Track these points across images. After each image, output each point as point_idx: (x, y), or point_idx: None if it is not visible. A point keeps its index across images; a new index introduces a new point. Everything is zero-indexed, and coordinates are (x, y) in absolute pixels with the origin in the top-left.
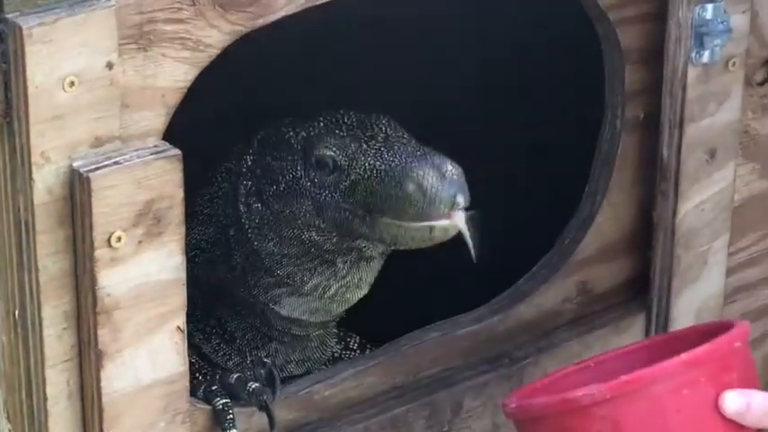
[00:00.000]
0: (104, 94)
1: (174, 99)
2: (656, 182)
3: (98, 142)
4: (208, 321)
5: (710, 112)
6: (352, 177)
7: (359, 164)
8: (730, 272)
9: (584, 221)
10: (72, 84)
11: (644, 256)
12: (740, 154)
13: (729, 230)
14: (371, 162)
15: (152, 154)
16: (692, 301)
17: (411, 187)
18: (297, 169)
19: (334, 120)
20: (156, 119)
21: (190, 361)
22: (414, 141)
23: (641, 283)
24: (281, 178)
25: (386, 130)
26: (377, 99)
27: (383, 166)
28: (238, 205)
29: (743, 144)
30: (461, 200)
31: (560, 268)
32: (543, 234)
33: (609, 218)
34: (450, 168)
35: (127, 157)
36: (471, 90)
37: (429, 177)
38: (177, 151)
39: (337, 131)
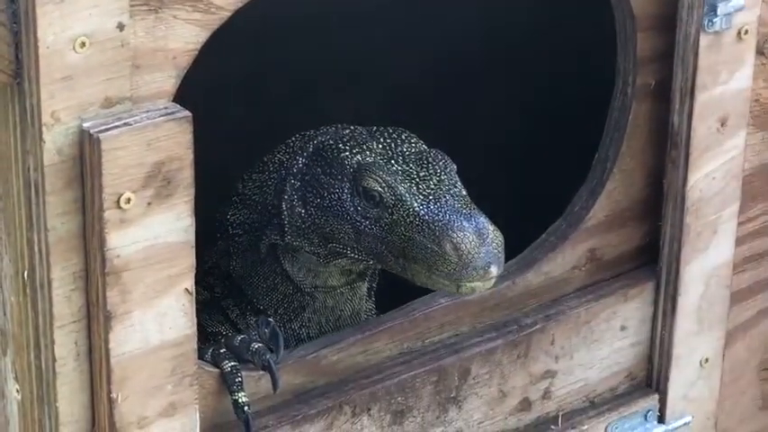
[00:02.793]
0: (115, 56)
1: (185, 61)
2: (666, 150)
3: (108, 103)
4: (243, 298)
5: (722, 80)
6: (395, 218)
7: (404, 207)
8: (740, 241)
9: (594, 189)
10: (83, 44)
11: (654, 224)
12: (751, 123)
13: (739, 199)
14: (416, 209)
15: (162, 116)
16: (702, 270)
17: (448, 247)
18: (344, 191)
19: (392, 146)
20: (167, 81)
21: (226, 335)
22: (464, 194)
23: (651, 252)
24: (326, 194)
25: (440, 173)
26: (385, 55)
27: (426, 217)
28: (282, 203)
29: (754, 113)
30: (495, 270)
31: (569, 235)
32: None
33: (619, 185)
34: (491, 236)
35: (137, 118)
36: (474, 45)
37: (468, 242)
38: (187, 113)
39: (393, 162)
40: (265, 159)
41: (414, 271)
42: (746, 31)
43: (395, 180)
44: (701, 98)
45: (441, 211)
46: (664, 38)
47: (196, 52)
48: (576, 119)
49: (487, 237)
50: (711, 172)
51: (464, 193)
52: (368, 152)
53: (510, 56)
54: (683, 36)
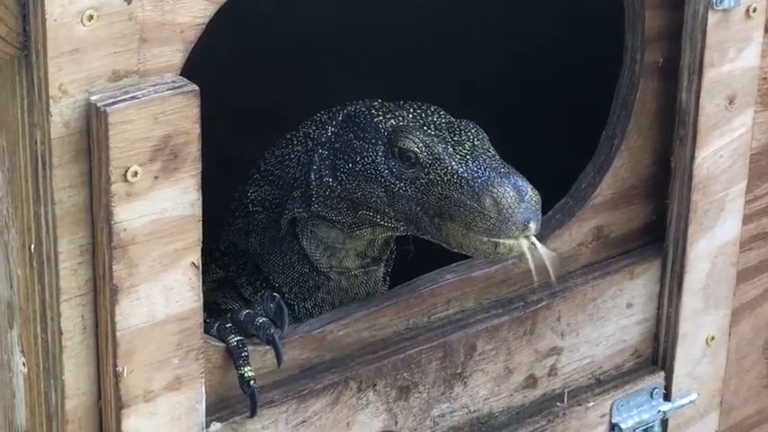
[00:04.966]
0: (123, 29)
1: (193, 35)
2: (674, 127)
3: (116, 76)
4: (258, 276)
5: (730, 58)
6: (431, 177)
7: (442, 165)
8: (746, 219)
9: (601, 166)
10: (91, 17)
11: (660, 201)
12: (759, 101)
13: (747, 178)
14: (455, 167)
15: (169, 89)
16: (709, 248)
17: (488, 203)
18: (378, 154)
19: (423, 115)
20: (175, 55)
21: (232, 309)
22: (498, 157)
23: (657, 229)
24: (359, 158)
25: (473, 139)
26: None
27: (465, 174)
28: (310, 173)
29: (762, 91)
30: (534, 227)
31: (576, 213)
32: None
33: (626, 163)
34: (531, 193)
35: (144, 91)
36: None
37: (508, 197)
38: (195, 87)
39: (426, 128)
40: (288, 136)
41: (450, 231)
42: (755, 9)
43: (432, 141)
44: (709, 76)
45: (479, 169)
46: (672, 15)
47: (204, 26)
48: (580, 89)
49: (526, 194)
50: (719, 150)
51: (498, 156)
52: (401, 118)
53: (509, 26)
54: (692, 13)
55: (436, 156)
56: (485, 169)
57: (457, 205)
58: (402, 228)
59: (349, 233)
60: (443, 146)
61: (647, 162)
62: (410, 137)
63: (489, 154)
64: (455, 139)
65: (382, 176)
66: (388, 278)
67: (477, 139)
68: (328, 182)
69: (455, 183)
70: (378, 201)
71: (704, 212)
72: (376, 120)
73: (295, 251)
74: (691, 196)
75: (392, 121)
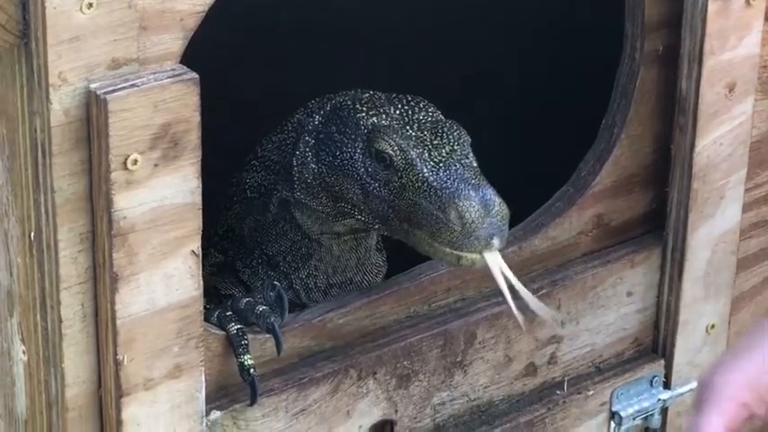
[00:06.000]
0: (122, 17)
1: (193, 23)
2: (674, 116)
3: (115, 64)
4: (253, 254)
5: (730, 46)
6: (403, 181)
7: (413, 171)
8: (746, 208)
9: (602, 154)
10: (90, 5)
11: (661, 189)
12: (759, 89)
13: (747, 166)
14: (425, 174)
15: (169, 77)
16: (709, 236)
17: (453, 215)
18: (356, 151)
19: (409, 113)
20: (175, 42)
21: (232, 297)
22: (474, 165)
23: (657, 217)
24: (339, 153)
25: (453, 143)
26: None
27: (435, 183)
28: (293, 158)
29: (762, 79)
30: (497, 243)
31: (576, 201)
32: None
33: (626, 151)
34: (497, 209)
35: (144, 79)
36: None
37: (472, 211)
38: (195, 75)
39: (407, 128)
40: (284, 122)
41: (417, 237)
42: None
43: (407, 144)
44: (709, 64)
45: (449, 179)
46: (672, 3)
47: (204, 14)
48: (581, 81)
49: (493, 208)
50: (719, 138)
51: (475, 164)
52: (384, 115)
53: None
54: (692, 1)
55: (410, 161)
56: (454, 180)
57: (424, 214)
58: (377, 226)
59: (334, 222)
60: (419, 150)
61: (647, 150)
62: (386, 139)
63: (465, 162)
64: (434, 142)
65: (358, 174)
66: (381, 246)
67: (457, 144)
68: (313, 168)
69: (424, 191)
70: (354, 197)
71: (704, 201)
72: (358, 116)
73: (287, 219)
74: (691, 184)
75: (374, 118)
